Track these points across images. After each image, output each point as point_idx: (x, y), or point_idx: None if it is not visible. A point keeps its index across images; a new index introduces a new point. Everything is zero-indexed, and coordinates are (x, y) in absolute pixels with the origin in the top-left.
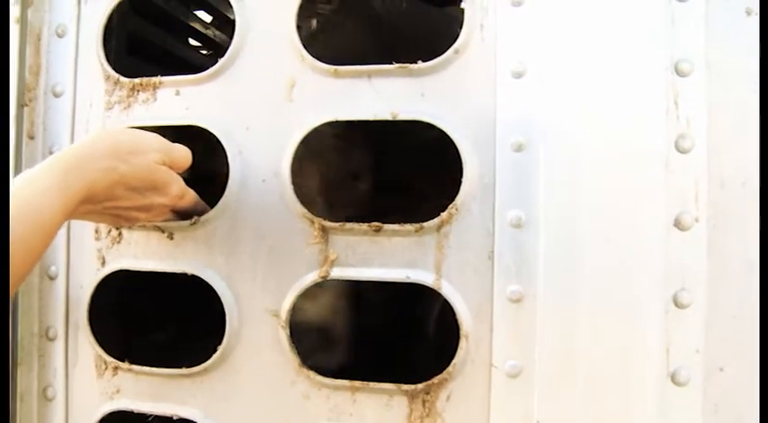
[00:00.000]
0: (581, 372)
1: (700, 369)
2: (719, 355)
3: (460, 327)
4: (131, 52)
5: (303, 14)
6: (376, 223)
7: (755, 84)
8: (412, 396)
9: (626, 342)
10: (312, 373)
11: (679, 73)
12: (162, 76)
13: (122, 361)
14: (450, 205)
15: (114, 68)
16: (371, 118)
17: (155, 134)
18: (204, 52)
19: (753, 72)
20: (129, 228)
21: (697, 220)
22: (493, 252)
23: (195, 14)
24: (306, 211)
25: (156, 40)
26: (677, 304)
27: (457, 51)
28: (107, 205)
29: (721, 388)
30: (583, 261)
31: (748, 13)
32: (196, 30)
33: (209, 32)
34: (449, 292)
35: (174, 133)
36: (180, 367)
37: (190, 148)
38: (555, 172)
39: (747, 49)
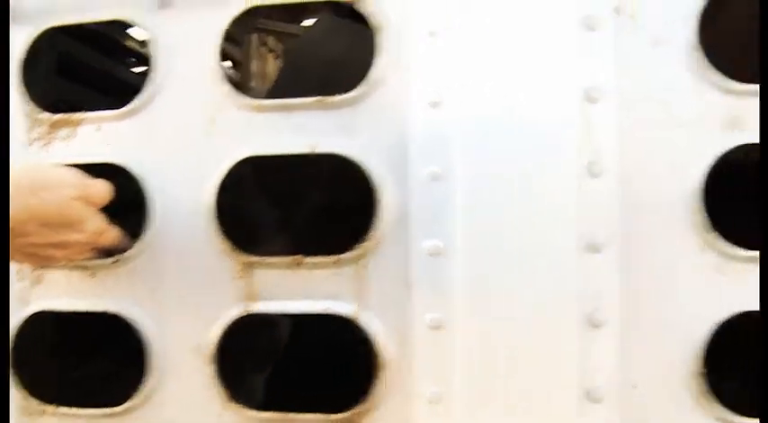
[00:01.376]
0: (500, 394)
1: (614, 386)
2: (633, 373)
3: (380, 356)
4: (62, 76)
5: None
6: (297, 257)
7: (664, 111)
8: None
9: (543, 362)
10: (240, 407)
11: (590, 100)
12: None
13: (49, 403)
14: (368, 236)
15: (42, 96)
16: (290, 152)
17: (72, 169)
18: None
19: (660, 99)
20: (51, 267)
21: (608, 243)
22: (411, 281)
23: (130, 35)
24: (229, 245)
25: (92, 63)
26: (592, 324)
27: (374, 83)
28: (20, 242)
29: (635, 404)
30: (500, 286)
31: (654, 44)
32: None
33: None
34: (368, 321)
35: (98, 169)
36: (109, 406)
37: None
38: (471, 200)
39: (655, 77)
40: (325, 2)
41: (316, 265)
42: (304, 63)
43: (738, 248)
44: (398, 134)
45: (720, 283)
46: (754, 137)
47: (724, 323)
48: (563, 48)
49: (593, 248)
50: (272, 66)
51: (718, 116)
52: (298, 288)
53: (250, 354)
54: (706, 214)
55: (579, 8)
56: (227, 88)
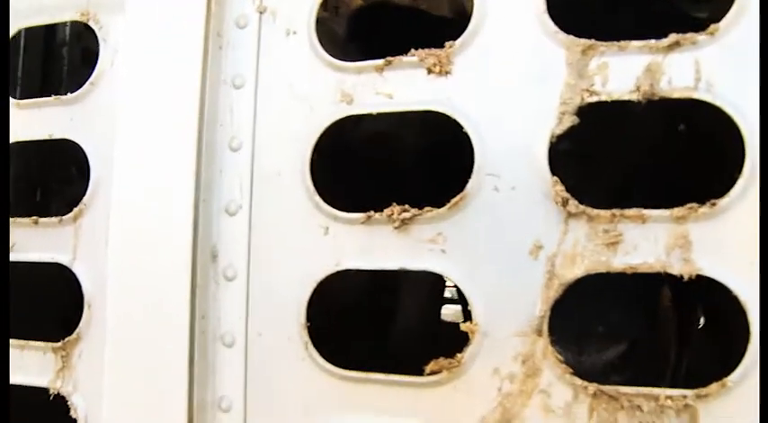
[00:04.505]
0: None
1: (242, 333)
2: (258, 322)
3: None
4: None
5: None
6: None
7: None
8: None
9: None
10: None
11: (235, 86)
12: None
13: None
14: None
15: None
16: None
17: None
18: None
19: (291, 84)
20: None
21: (241, 207)
22: None
23: None
24: None
25: None
26: (226, 278)
27: (92, 84)
28: None
29: (260, 349)
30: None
31: (287, 33)
32: None
33: None
34: None
35: None
36: None
37: None
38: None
39: (288, 66)
40: None
41: None
42: None
43: (341, 212)
44: (110, 126)
45: (324, 244)
46: (360, 109)
47: (323, 281)
48: (212, 43)
49: (229, 211)
50: None
51: (332, 91)
52: None
53: None
54: (312, 181)
55: (232, 10)
56: None
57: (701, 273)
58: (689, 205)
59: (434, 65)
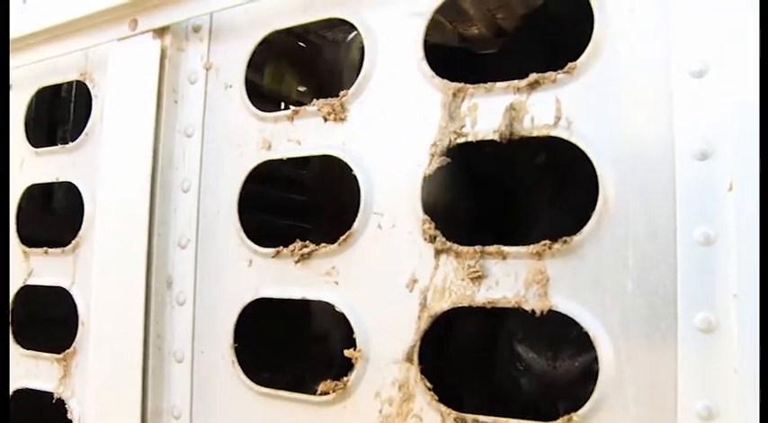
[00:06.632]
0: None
1: (189, 351)
2: (201, 342)
3: None
4: None
5: None
6: None
7: (239, 145)
8: None
9: (132, 329)
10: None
11: (187, 135)
12: None
13: None
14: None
15: None
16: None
17: None
18: None
19: (227, 133)
20: None
21: (190, 241)
22: None
23: None
24: None
25: None
26: (178, 302)
27: (86, 134)
28: None
29: (203, 365)
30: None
31: (225, 87)
32: None
33: None
34: None
35: None
36: None
37: None
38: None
39: (226, 116)
40: None
41: None
42: None
43: (259, 246)
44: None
45: (248, 274)
46: (276, 154)
47: (248, 305)
48: (167, 97)
49: (181, 245)
50: None
51: (256, 138)
52: None
53: None
54: (238, 218)
55: (186, 67)
56: None
57: (553, 308)
58: (543, 242)
59: (329, 113)
